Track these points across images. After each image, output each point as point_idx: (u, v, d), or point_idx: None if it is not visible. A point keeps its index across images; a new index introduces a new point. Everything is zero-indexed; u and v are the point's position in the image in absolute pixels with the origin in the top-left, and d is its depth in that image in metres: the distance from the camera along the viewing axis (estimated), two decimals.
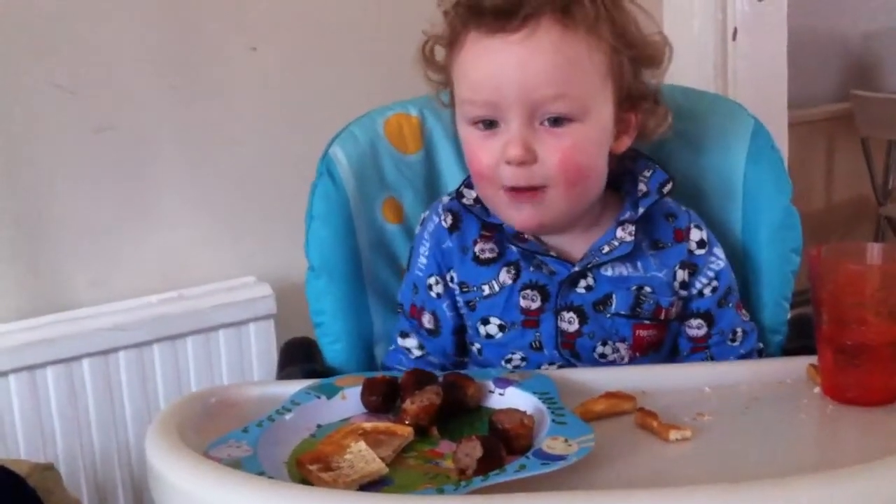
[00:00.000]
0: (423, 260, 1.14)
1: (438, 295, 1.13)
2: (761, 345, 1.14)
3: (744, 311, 1.14)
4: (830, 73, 3.79)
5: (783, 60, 2.11)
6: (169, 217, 1.73)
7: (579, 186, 1.04)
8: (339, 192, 1.20)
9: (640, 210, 1.08)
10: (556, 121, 1.01)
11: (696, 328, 1.11)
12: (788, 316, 1.20)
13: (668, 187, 1.09)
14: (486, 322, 1.10)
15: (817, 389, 0.92)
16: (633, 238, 1.07)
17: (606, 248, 1.07)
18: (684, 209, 1.13)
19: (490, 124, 1.03)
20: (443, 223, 1.13)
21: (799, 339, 1.15)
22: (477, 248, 1.11)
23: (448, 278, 1.12)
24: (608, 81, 1.03)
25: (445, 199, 1.15)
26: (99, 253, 1.68)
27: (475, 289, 1.10)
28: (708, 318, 1.11)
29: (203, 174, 1.75)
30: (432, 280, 1.13)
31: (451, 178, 1.24)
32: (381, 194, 1.23)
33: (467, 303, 1.11)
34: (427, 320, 1.14)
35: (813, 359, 0.94)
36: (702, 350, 1.11)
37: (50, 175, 1.63)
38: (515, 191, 1.03)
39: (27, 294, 1.64)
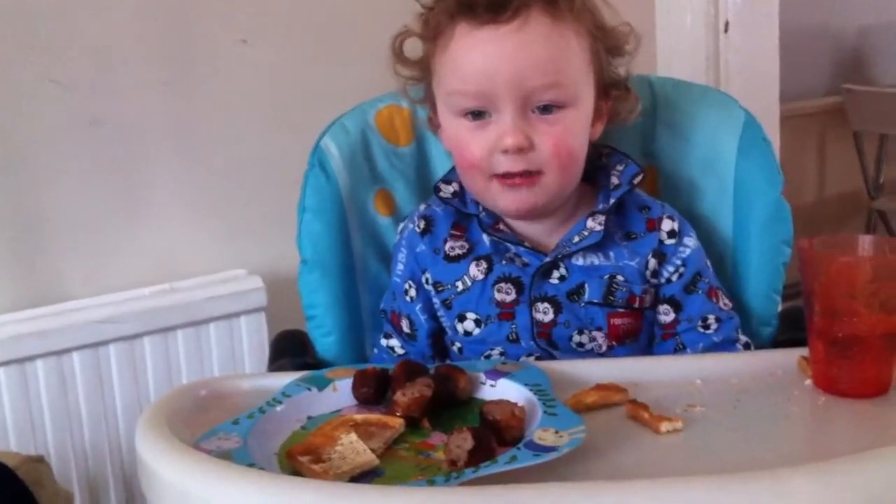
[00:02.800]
0: (400, 266, 1.16)
1: (412, 299, 1.14)
2: (745, 338, 1.12)
3: (724, 301, 1.12)
4: (822, 67, 3.79)
5: (775, 54, 2.11)
6: (160, 210, 1.73)
7: (570, 170, 1.06)
8: (330, 185, 1.20)
9: (612, 201, 1.10)
10: (547, 108, 1.03)
11: (664, 314, 1.11)
12: (779, 308, 1.20)
13: (639, 179, 1.11)
14: (462, 318, 1.11)
15: (808, 381, 0.92)
16: (602, 228, 1.08)
17: (577, 238, 1.09)
18: (659, 202, 1.14)
19: (479, 115, 1.04)
20: (416, 229, 1.15)
21: (790, 332, 1.15)
22: (447, 247, 1.12)
23: (424, 280, 1.14)
24: (590, 68, 1.06)
25: (422, 207, 1.17)
26: (91, 246, 1.68)
27: (449, 286, 1.11)
28: (674, 303, 1.11)
29: (195, 167, 1.74)
30: (407, 285, 1.15)
31: (443, 170, 1.24)
32: (373, 186, 1.23)
33: (444, 302, 1.12)
34: (405, 325, 1.15)
35: (804, 351, 0.94)
36: (671, 336, 1.11)
37: (43, 168, 1.63)
38: (510, 177, 1.04)
39: (19, 286, 1.64)
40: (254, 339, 1.71)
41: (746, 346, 1.12)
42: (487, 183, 1.06)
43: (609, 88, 1.11)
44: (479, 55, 1.02)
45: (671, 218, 1.12)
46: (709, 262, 1.14)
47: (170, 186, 1.73)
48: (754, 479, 0.70)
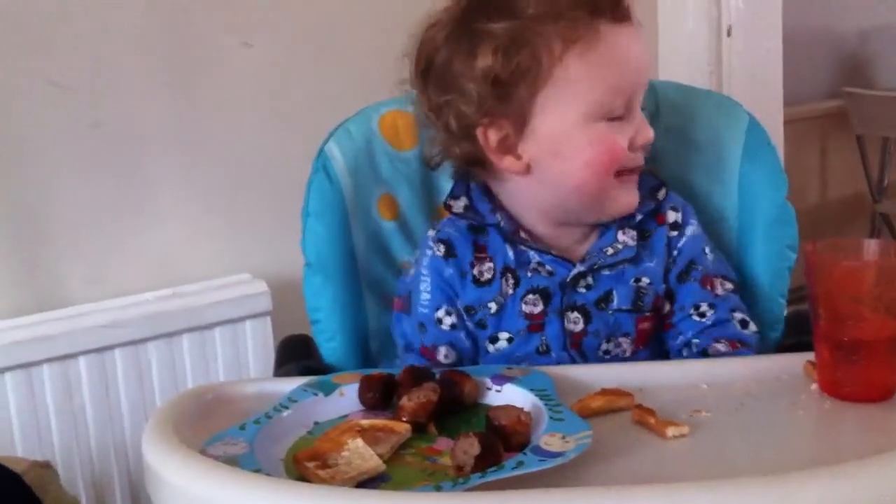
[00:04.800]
0: (425, 296, 1.11)
1: (453, 326, 1.10)
2: (741, 315, 1.10)
3: (722, 287, 1.11)
4: (825, 70, 3.79)
5: (778, 57, 2.11)
6: (164, 214, 1.73)
7: None
8: (334, 189, 1.20)
9: (638, 217, 1.10)
10: None
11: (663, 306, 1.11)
12: (785, 312, 1.20)
13: (662, 192, 1.11)
14: (495, 340, 1.09)
15: (814, 386, 0.92)
16: (635, 243, 1.08)
17: (610, 251, 1.08)
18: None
19: (614, 118, 1.04)
20: (437, 253, 1.11)
21: (795, 336, 1.14)
22: (475, 271, 1.10)
23: (458, 305, 1.11)
24: None
25: (431, 232, 1.13)
26: (94, 250, 1.68)
27: (482, 308, 1.09)
28: (669, 294, 1.11)
29: (198, 171, 1.75)
30: (441, 313, 1.11)
31: (446, 175, 1.24)
32: (377, 191, 1.23)
33: (477, 323, 1.10)
34: (444, 355, 1.10)
35: (810, 355, 0.93)
36: (670, 327, 1.11)
37: (45, 172, 1.63)
38: (627, 175, 1.06)
39: (23, 291, 1.64)
40: (259, 343, 1.72)
41: (743, 324, 1.10)
42: (610, 183, 1.06)
43: None
44: (628, 50, 1.03)
45: (674, 209, 1.12)
46: (707, 249, 1.13)
47: (173, 190, 1.73)
48: (760, 484, 0.70)
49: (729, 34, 2.03)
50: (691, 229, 1.12)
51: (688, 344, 1.10)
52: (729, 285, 1.12)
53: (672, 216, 1.12)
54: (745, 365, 1.00)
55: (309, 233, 1.20)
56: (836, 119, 3.64)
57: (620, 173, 1.05)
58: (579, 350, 1.07)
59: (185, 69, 1.71)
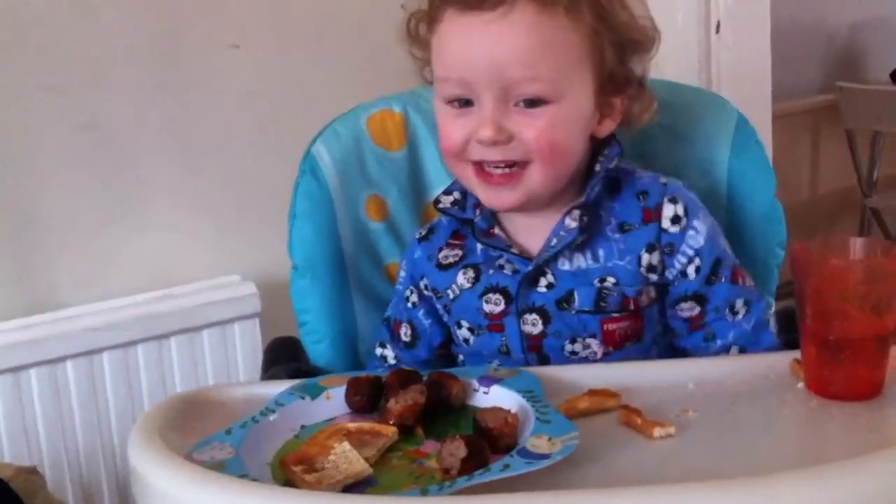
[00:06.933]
0: (402, 273, 1.17)
1: (414, 304, 1.14)
2: (771, 312, 1.08)
3: (747, 279, 1.07)
4: (815, 65, 3.79)
5: (767, 53, 2.11)
6: (153, 216, 1.73)
7: (557, 165, 1.01)
8: (321, 190, 1.20)
9: (591, 192, 1.04)
10: (531, 102, 0.99)
11: (688, 310, 1.06)
12: (773, 310, 1.20)
13: (615, 162, 1.05)
14: (459, 325, 1.10)
15: (801, 384, 0.92)
16: (577, 224, 1.03)
17: (555, 241, 1.04)
18: (662, 182, 1.07)
19: (465, 103, 1.01)
20: (416, 236, 1.15)
21: (783, 333, 1.14)
22: (441, 255, 1.12)
23: (423, 286, 1.13)
24: (587, 64, 1.01)
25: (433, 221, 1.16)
26: (84, 253, 1.68)
27: (443, 294, 1.11)
28: (699, 298, 1.06)
29: (188, 172, 1.74)
30: (408, 291, 1.15)
31: (436, 175, 1.24)
32: (365, 192, 1.23)
33: (444, 307, 1.11)
34: (404, 332, 1.15)
35: (797, 353, 0.93)
36: (699, 328, 1.07)
37: (35, 174, 1.63)
38: (489, 174, 1.02)
39: (11, 294, 1.64)
40: (247, 345, 1.71)
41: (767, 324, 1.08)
42: (465, 169, 1.04)
43: (622, 86, 1.05)
44: (460, 42, 1.00)
45: (673, 200, 1.05)
46: (723, 240, 1.08)
47: (163, 192, 1.73)
48: (747, 483, 0.69)
49: (718, 31, 2.03)
50: (703, 224, 1.05)
51: (727, 349, 1.06)
52: (749, 277, 1.08)
53: (670, 209, 1.04)
54: (732, 364, 1.00)
55: (296, 235, 1.20)
56: (828, 113, 3.64)
57: (479, 166, 1.02)
58: (539, 352, 1.05)
59: (174, 71, 1.71)
